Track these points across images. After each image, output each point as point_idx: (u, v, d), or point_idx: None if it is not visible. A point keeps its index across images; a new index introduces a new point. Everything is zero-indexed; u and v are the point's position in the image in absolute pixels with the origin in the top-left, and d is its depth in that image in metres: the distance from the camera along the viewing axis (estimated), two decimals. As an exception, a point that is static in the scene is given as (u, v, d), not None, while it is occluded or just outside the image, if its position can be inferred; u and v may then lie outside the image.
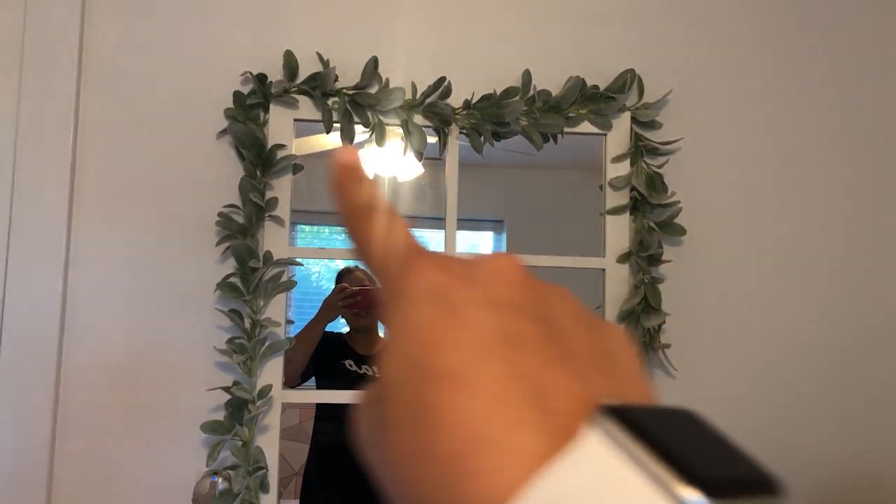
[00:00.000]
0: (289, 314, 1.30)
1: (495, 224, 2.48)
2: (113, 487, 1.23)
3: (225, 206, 1.24)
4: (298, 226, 1.80)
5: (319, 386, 1.92)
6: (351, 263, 2.10)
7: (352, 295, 1.91)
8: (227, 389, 1.21)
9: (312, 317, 1.91)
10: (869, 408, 1.37)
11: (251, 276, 1.22)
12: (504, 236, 2.52)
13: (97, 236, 1.25)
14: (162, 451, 1.24)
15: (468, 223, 2.48)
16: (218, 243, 1.25)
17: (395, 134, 1.59)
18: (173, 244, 1.26)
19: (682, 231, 1.33)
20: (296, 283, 1.27)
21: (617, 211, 1.33)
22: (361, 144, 2.17)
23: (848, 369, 1.38)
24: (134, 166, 1.26)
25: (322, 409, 1.85)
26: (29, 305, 1.21)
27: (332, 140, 2.01)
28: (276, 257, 1.24)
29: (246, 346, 1.22)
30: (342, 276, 2.06)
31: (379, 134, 1.29)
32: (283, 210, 1.26)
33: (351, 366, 1.91)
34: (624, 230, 1.33)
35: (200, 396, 1.24)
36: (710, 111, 1.39)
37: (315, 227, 1.93)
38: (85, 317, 1.24)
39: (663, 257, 1.32)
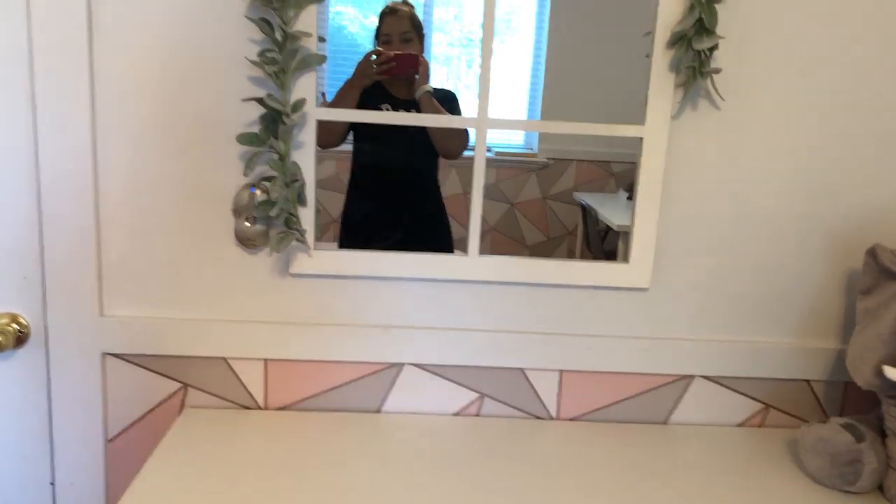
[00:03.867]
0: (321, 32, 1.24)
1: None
2: (157, 197, 1.27)
3: None
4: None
5: (358, 133, 1.91)
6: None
7: (386, 61, 1.82)
8: (260, 101, 1.19)
9: (347, 80, 1.85)
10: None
11: (279, -18, 1.15)
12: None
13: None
14: (201, 162, 1.26)
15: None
16: (243, -57, 1.17)
17: None
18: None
19: (750, -57, 1.20)
20: (326, -8, 1.20)
21: (678, -82, 1.19)
22: None
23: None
24: None
25: (359, 131, 1.85)
26: (56, 6, 1.17)
27: None
28: (304, -39, 1.16)
29: (278, 58, 1.18)
30: (385, 15, 1.95)
31: None
32: None
33: (388, 110, 1.88)
34: (684, -58, 1.21)
35: (235, 109, 1.23)
36: None
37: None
38: (111, 19, 1.20)
39: (725, -27, 1.21)
